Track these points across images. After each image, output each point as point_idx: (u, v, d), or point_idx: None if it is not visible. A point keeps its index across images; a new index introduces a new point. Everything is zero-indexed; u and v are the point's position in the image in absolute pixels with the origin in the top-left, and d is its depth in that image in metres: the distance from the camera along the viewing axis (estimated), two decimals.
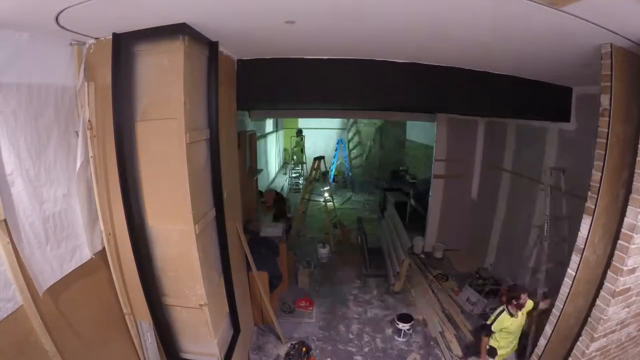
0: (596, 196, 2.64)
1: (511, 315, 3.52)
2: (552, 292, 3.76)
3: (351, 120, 13.87)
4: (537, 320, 4.03)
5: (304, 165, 13.13)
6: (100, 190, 2.80)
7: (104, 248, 2.90)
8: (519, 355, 4.15)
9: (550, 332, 3.16)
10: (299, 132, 13.22)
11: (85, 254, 2.75)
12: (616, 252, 2.59)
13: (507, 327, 3.52)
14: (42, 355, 2.28)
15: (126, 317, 3.12)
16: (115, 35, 2.47)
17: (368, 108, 6.90)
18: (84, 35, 2.49)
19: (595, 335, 2.78)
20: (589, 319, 2.81)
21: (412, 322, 5.05)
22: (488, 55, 3.12)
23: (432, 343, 4.96)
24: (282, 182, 12.67)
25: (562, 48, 2.61)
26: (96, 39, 2.59)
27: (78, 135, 2.63)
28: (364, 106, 6.37)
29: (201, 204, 2.95)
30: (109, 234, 2.88)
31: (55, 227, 2.46)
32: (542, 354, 3.30)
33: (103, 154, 2.75)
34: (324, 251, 7.47)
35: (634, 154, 2.45)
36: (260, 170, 8.72)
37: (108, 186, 2.81)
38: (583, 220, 2.77)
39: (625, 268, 2.54)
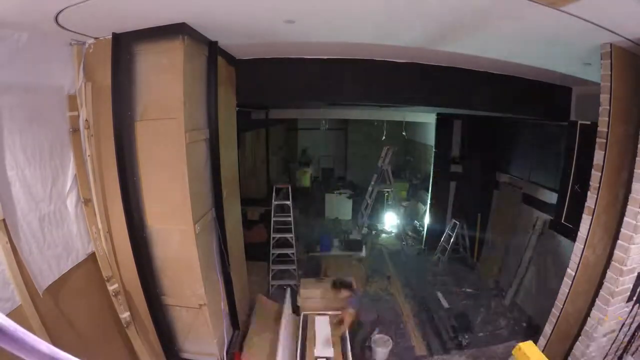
0: (596, 196, 2.64)
1: None
2: None
3: None
4: None
5: None
6: (97, 189, 2.79)
7: (101, 248, 2.89)
8: None
9: (549, 331, 3.15)
10: None
11: (81, 253, 2.75)
12: (616, 252, 2.58)
13: None
14: None
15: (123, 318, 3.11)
16: (114, 35, 2.47)
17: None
18: (84, 35, 2.49)
19: (595, 335, 2.77)
20: (589, 318, 2.81)
21: None
22: (488, 55, 3.12)
23: None
24: None
25: (561, 48, 2.61)
26: (96, 38, 2.59)
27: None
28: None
29: (201, 204, 2.94)
30: (106, 232, 2.88)
31: (51, 226, 2.46)
32: None
33: (99, 153, 2.75)
34: None
35: (633, 154, 2.45)
36: None
37: (104, 185, 2.80)
38: (583, 220, 2.77)
39: (625, 268, 2.53)
